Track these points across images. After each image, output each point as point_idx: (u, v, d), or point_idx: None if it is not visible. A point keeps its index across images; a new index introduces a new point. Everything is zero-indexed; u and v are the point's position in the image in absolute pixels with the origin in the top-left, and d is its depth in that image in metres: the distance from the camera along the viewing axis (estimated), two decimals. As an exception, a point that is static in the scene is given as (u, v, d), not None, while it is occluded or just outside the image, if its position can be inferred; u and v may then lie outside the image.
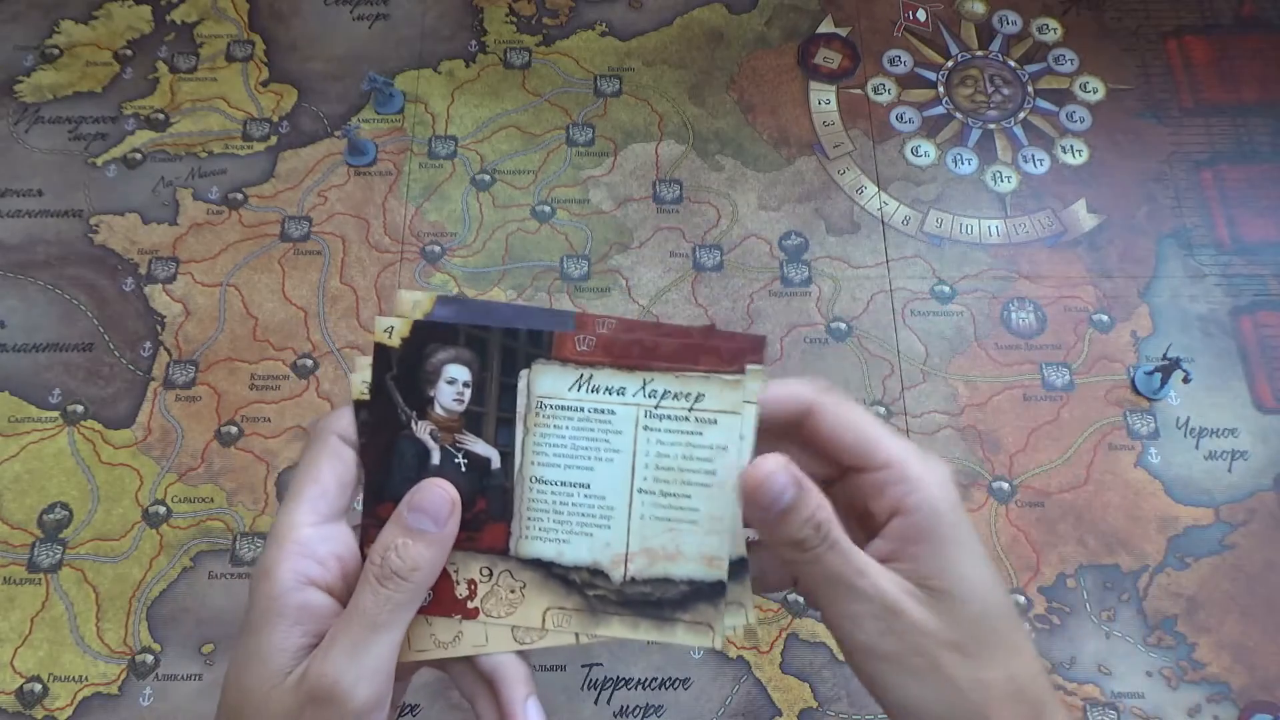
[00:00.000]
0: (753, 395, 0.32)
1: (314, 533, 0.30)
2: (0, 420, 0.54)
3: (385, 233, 0.58)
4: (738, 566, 0.33)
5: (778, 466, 0.30)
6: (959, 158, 0.61)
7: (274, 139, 0.61)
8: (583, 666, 0.48)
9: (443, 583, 0.33)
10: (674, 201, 0.60)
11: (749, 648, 0.49)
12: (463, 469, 0.32)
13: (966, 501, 0.52)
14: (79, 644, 0.49)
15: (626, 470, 0.32)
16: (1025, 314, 0.56)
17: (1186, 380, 0.52)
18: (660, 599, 0.33)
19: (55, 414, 0.54)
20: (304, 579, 0.30)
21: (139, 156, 0.61)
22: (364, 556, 0.31)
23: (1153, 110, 0.62)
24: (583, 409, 0.32)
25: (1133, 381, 0.54)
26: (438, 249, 0.58)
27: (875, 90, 0.63)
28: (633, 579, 0.33)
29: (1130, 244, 0.58)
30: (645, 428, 0.32)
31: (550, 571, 0.33)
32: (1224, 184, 0.60)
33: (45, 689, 0.48)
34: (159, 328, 0.56)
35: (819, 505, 0.30)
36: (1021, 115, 0.62)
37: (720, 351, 0.32)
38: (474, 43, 0.65)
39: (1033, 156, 0.61)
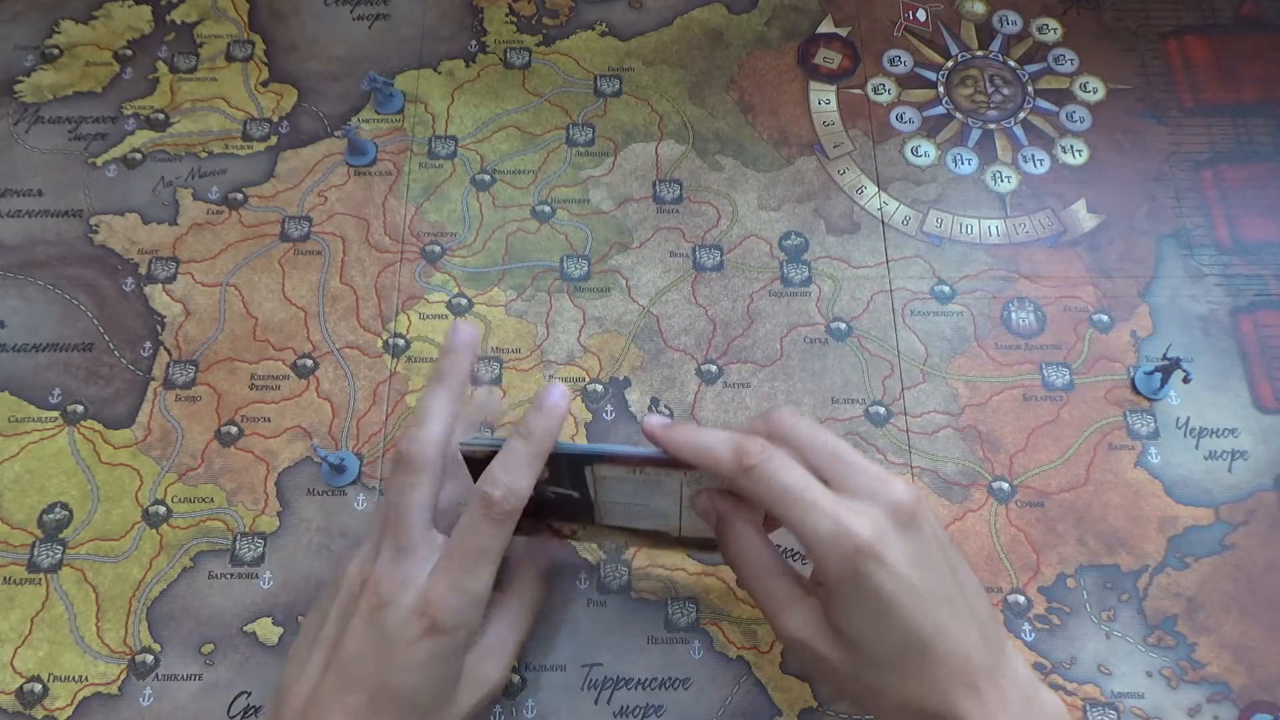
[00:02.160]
0: None
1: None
2: (0, 420, 0.54)
3: (385, 233, 0.59)
4: None
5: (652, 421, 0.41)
6: (959, 158, 0.61)
7: (274, 139, 0.61)
8: (583, 666, 0.48)
9: (546, 530, 0.46)
10: (674, 201, 0.60)
11: (749, 648, 0.49)
12: (553, 497, 0.43)
13: (966, 502, 0.52)
14: (79, 644, 0.49)
15: (675, 499, 0.43)
16: (1025, 314, 0.56)
17: (1186, 380, 0.52)
18: (707, 540, 0.45)
19: (55, 414, 0.54)
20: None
21: (139, 156, 0.61)
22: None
23: (1153, 110, 0.62)
24: (638, 478, 0.41)
25: (1133, 381, 0.54)
26: (438, 249, 0.58)
27: (875, 90, 0.63)
28: (684, 534, 0.46)
29: (1130, 244, 0.58)
30: (686, 485, 0.42)
31: (625, 528, 0.46)
32: (1224, 184, 0.60)
33: (45, 689, 0.48)
34: (159, 328, 0.56)
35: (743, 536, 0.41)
36: (1021, 115, 0.62)
37: None
38: (474, 43, 0.65)
39: (1033, 156, 0.61)
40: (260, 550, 0.51)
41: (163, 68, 0.64)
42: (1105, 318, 0.56)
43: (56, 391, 0.54)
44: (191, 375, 0.55)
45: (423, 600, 0.38)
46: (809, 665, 0.38)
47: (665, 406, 0.54)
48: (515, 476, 0.38)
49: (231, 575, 0.50)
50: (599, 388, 0.54)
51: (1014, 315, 0.56)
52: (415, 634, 0.38)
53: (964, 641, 0.36)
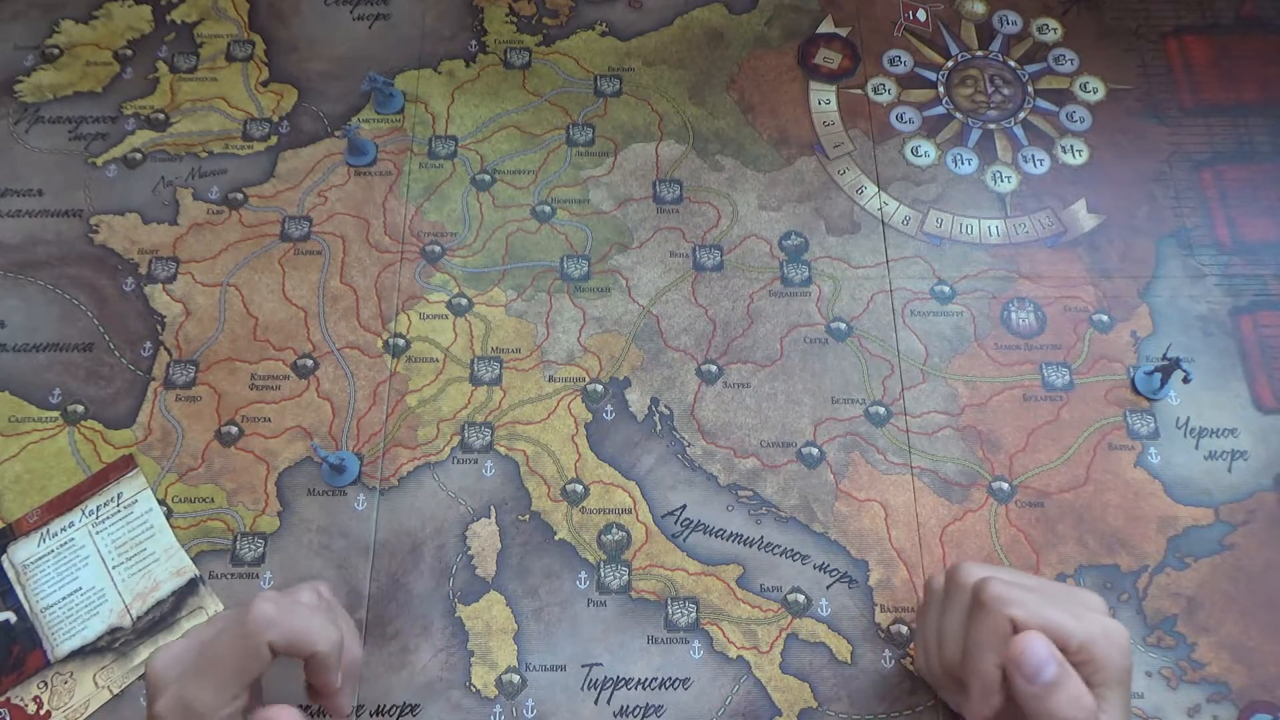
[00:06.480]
0: (145, 482, 0.51)
1: None
2: (0, 420, 0.54)
3: (385, 233, 0.59)
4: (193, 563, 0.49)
5: (1039, 639, 0.36)
6: (959, 158, 0.61)
7: (274, 139, 0.61)
8: (583, 666, 0.48)
9: (17, 714, 0.45)
10: (674, 201, 0.60)
11: (749, 648, 0.49)
12: None
13: (966, 502, 0.52)
14: (79, 644, 0.49)
15: (100, 564, 0.47)
16: (1025, 314, 0.56)
17: (1186, 380, 0.52)
18: (163, 615, 0.48)
19: (55, 414, 0.54)
20: None
21: (139, 156, 0.61)
22: None
23: (1153, 110, 0.62)
24: (54, 550, 0.46)
25: (1133, 381, 0.54)
26: (438, 249, 0.58)
27: (875, 90, 0.63)
28: (139, 617, 0.47)
29: (1130, 244, 0.58)
30: (99, 532, 0.47)
31: (84, 652, 0.46)
32: (1224, 184, 0.60)
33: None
34: (159, 328, 0.56)
35: (1084, 690, 0.36)
36: (1021, 115, 0.62)
37: (107, 469, 0.51)
38: (474, 43, 0.65)
39: (1033, 156, 0.61)
40: (260, 550, 0.51)
41: (163, 68, 0.64)
42: (1105, 318, 0.56)
43: (56, 391, 0.54)
44: (191, 375, 0.55)
45: None
46: None
47: (665, 406, 0.54)
48: None
49: (232, 575, 0.50)
50: (599, 388, 0.54)
51: (1014, 315, 0.56)
52: None
53: None
